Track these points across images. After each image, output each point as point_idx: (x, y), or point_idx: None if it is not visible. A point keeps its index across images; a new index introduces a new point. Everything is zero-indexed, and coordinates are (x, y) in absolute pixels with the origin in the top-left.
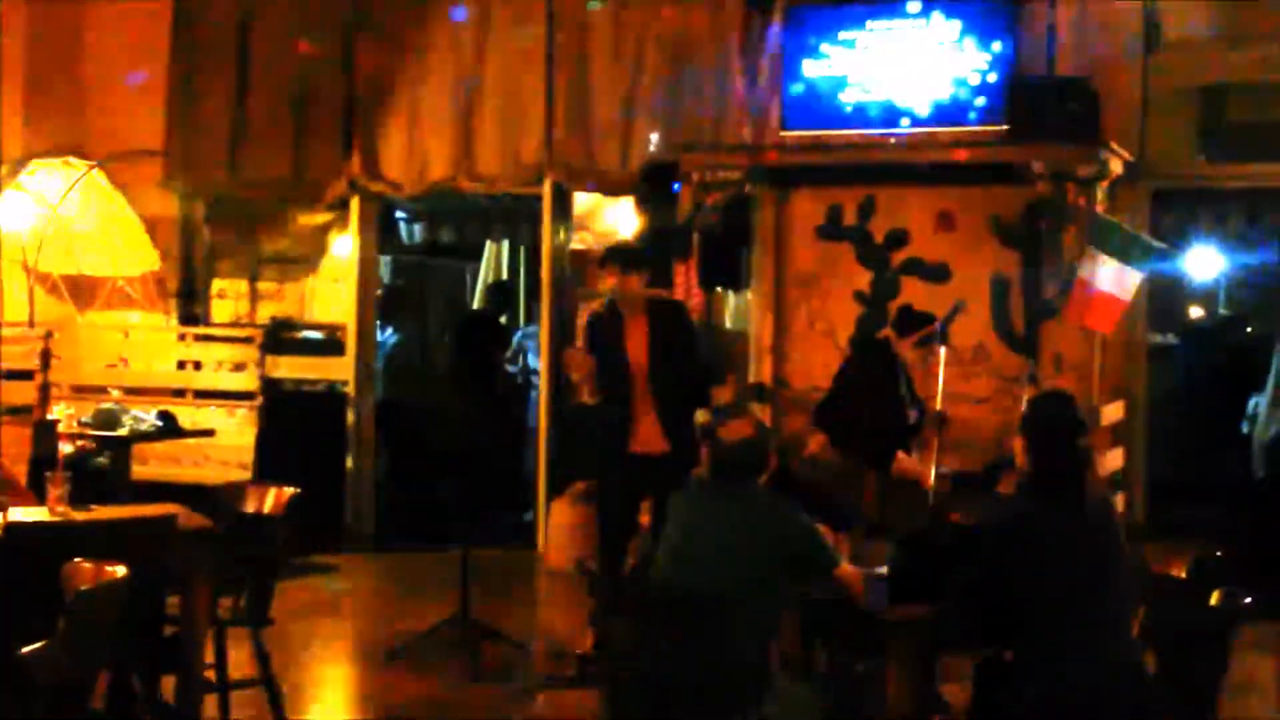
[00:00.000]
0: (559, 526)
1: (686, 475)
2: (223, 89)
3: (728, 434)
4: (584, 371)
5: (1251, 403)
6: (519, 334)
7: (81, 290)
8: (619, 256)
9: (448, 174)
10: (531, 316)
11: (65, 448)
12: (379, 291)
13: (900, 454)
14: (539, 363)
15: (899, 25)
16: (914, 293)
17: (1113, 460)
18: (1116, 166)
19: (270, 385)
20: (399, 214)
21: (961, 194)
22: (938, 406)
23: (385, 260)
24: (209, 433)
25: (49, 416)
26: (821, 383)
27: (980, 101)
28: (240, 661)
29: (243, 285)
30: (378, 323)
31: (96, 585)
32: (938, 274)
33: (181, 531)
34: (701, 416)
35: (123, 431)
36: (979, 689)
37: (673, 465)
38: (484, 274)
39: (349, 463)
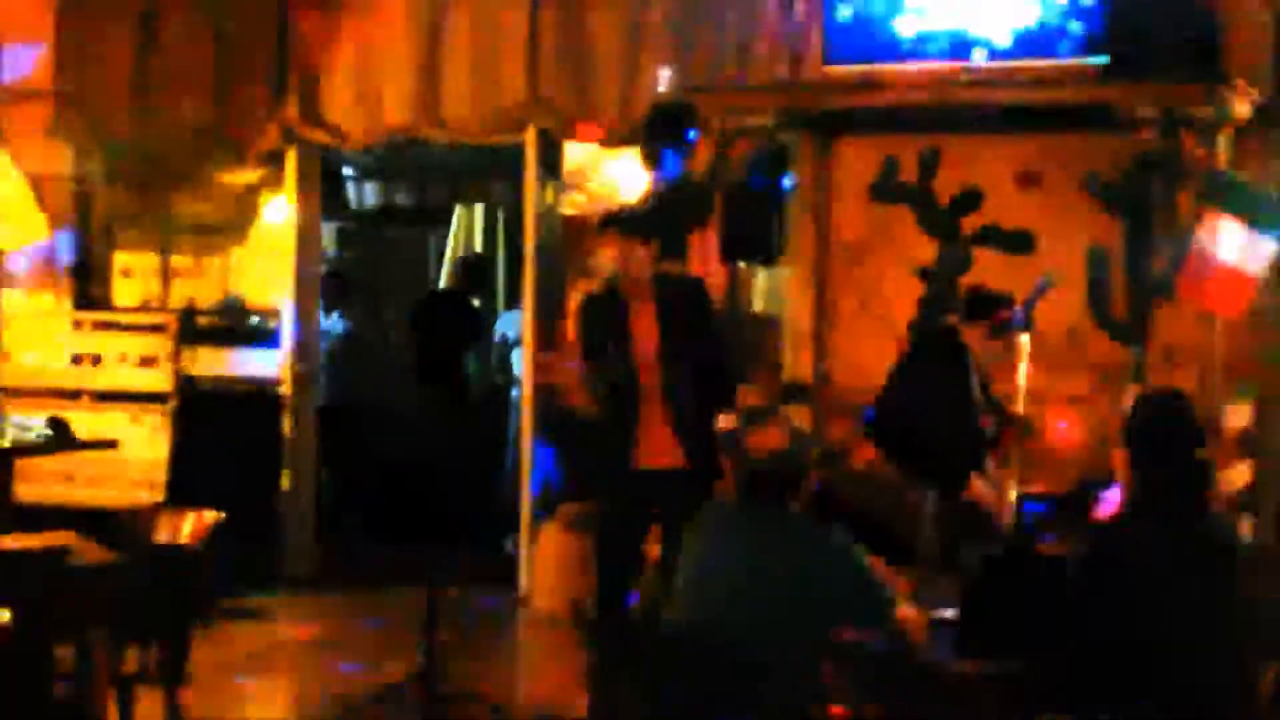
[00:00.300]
0: (547, 560)
1: (706, 496)
2: (128, 13)
3: (757, 444)
4: (572, 376)
5: None
6: (497, 321)
7: None
8: (621, 223)
9: (407, 120)
10: (513, 299)
11: None
12: (322, 268)
13: (972, 473)
14: (522, 357)
15: None
16: (989, 267)
17: (1239, 476)
18: (1243, 109)
19: (187, 385)
20: (346, 171)
21: (1049, 144)
22: (1019, 410)
23: (329, 229)
24: (111, 444)
25: None
26: (874, 380)
27: (1074, 28)
28: None
29: (153, 260)
30: (320, 307)
31: None
32: (1019, 244)
33: (76, 567)
34: (724, 422)
35: (2, 442)
36: None
37: (688, 483)
38: (452, 246)
39: (286, 481)
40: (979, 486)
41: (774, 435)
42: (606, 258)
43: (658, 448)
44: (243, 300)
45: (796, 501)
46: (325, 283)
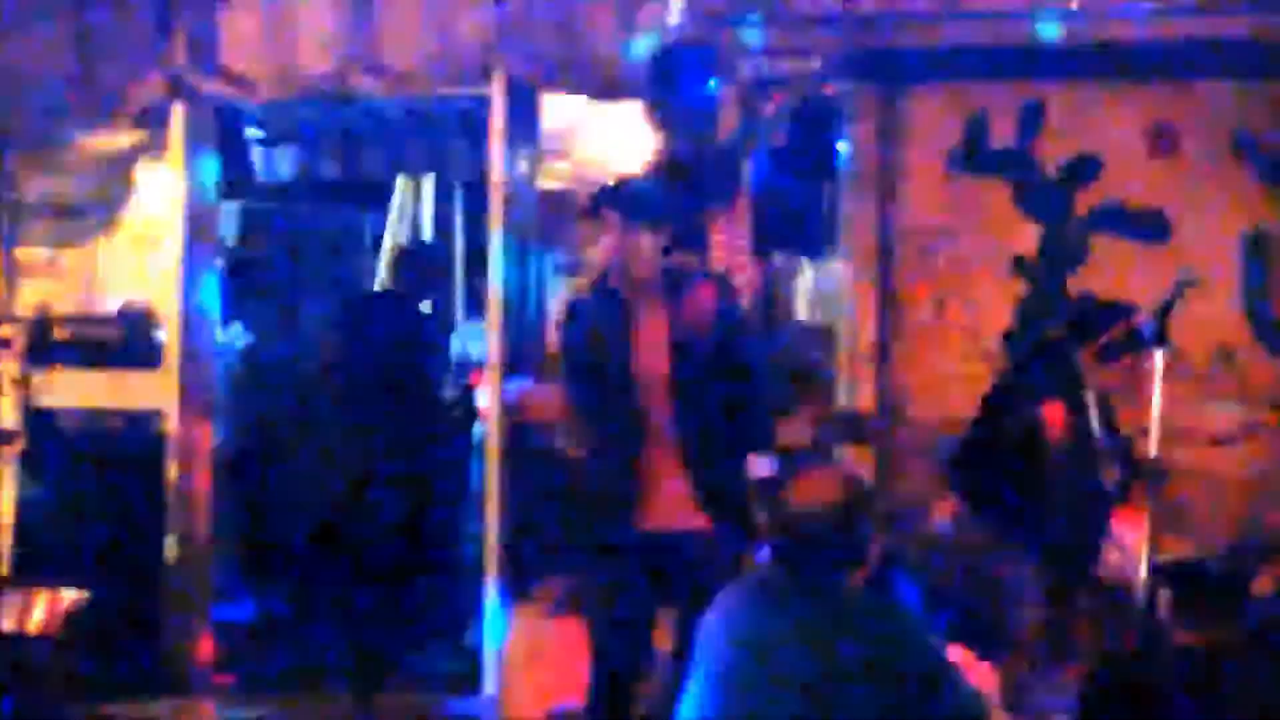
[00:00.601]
0: (521, 655)
1: (734, 568)
2: None
3: (801, 497)
4: (554, 409)
5: None
6: (455, 334)
7: None
8: (620, 201)
9: (332, 66)
10: (475, 303)
11: None
12: (219, 261)
13: (1092, 538)
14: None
15: None
16: (1110, 258)
17: None
18: None
19: (39, 418)
20: (251, 134)
21: (1189, 96)
22: (1150, 453)
23: (229, 209)
24: None
25: None
26: (957, 411)
27: None
28: None
29: None
30: (218, 314)
31: None
32: (1149, 227)
33: None
34: (759, 469)
35: None
36: None
37: (709, 550)
38: (394, 232)
39: (172, 549)
40: (1104, 554)
41: (825, 485)
42: (600, 248)
43: (669, 504)
44: (140, 308)
45: (855, 574)
46: (225, 282)
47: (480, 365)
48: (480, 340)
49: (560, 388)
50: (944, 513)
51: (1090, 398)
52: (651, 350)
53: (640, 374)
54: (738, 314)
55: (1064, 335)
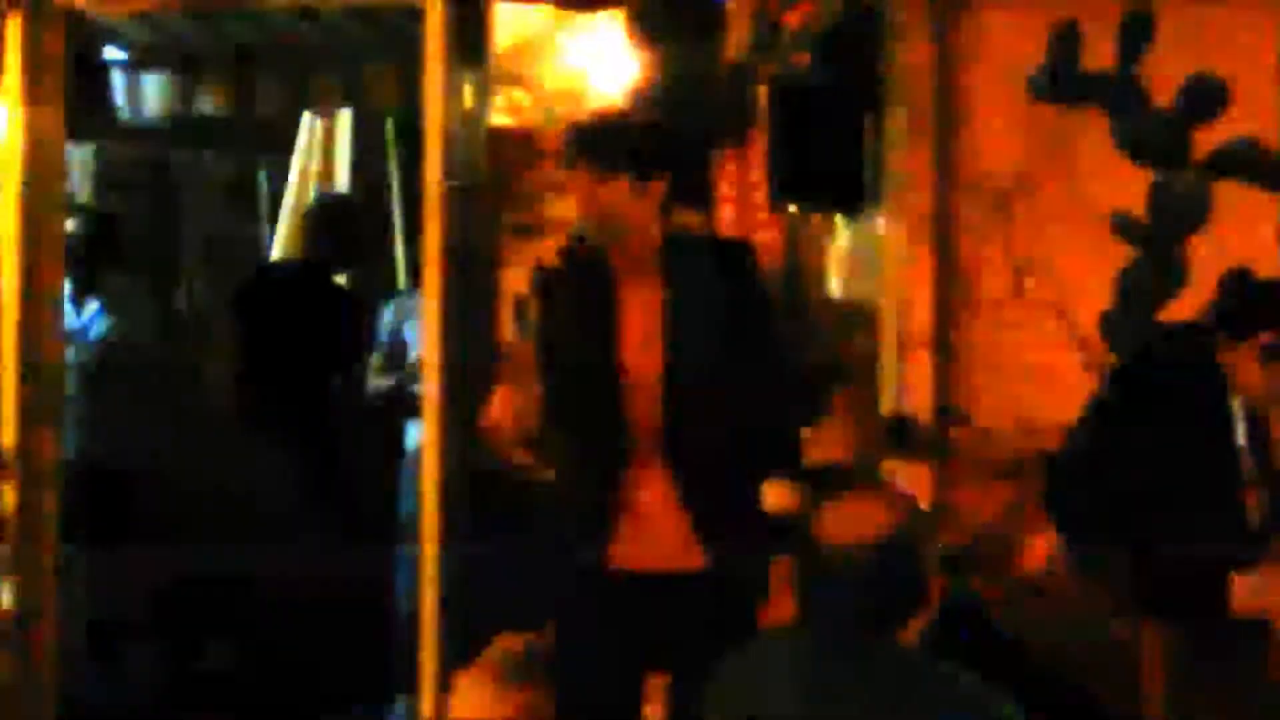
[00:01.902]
0: None
1: (744, 621)
2: None
3: (836, 531)
4: (512, 415)
5: None
6: (386, 311)
7: None
8: (599, 144)
9: None
10: (413, 274)
11: None
12: (70, 222)
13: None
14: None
15: None
16: (1242, 216)
17: None
18: None
19: None
20: (113, 55)
21: None
22: None
23: (83, 153)
24: None
25: None
26: (1040, 414)
27: None
28: None
29: None
30: (68, 290)
31: None
32: None
33: None
34: (779, 495)
35: None
36: None
37: (712, 599)
38: (299, 183)
39: (6, 598)
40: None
41: (867, 514)
42: (578, 204)
43: (659, 538)
44: None
45: (907, 630)
46: (78, 246)
47: None
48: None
49: (521, 389)
50: (1036, 552)
51: (1234, 405)
52: (642, 340)
53: (626, 371)
54: (758, 292)
55: (1199, 329)
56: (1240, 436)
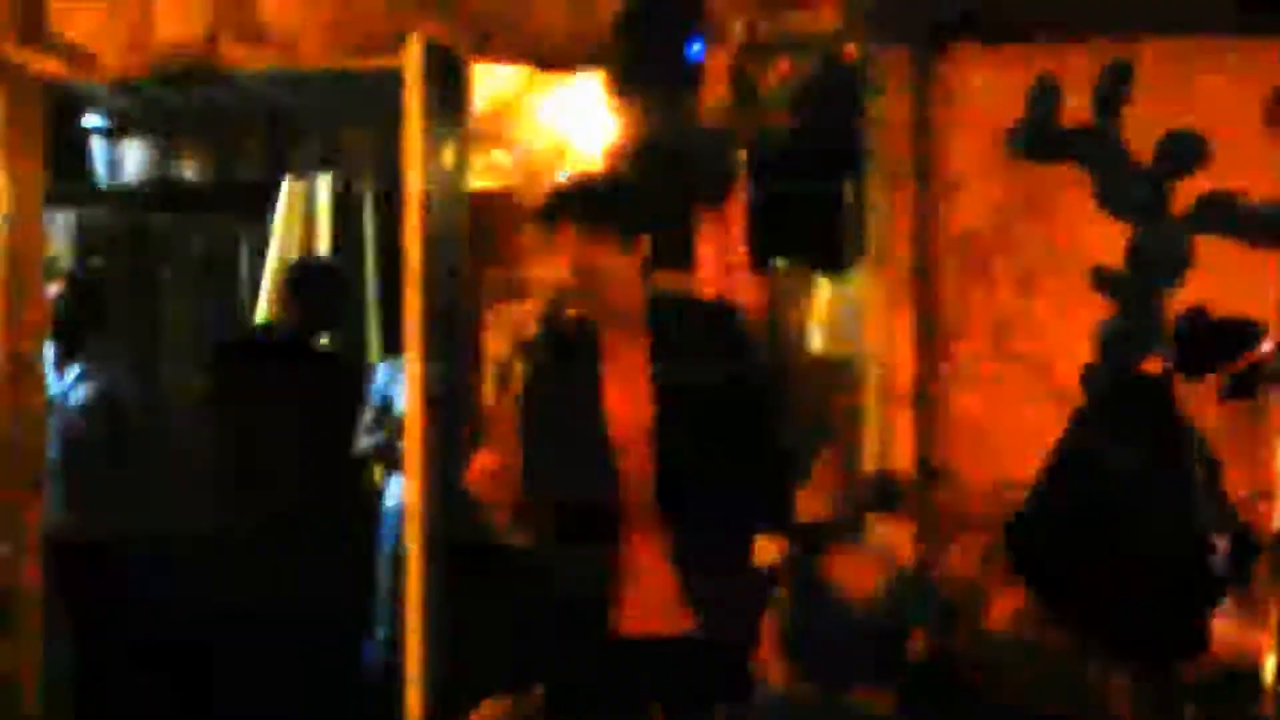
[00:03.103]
0: None
1: (739, 682)
2: None
3: (836, 587)
4: (497, 481)
5: None
6: (377, 374)
7: None
8: (582, 204)
9: (197, 34)
10: (391, 339)
11: None
12: (51, 286)
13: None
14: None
15: None
16: (1219, 268)
17: None
18: None
19: None
20: (93, 122)
21: None
22: (1276, 523)
23: (63, 219)
24: None
25: None
26: (1022, 469)
27: None
28: None
29: None
30: (49, 355)
31: None
32: (1272, 226)
33: None
34: (769, 552)
35: None
36: None
37: (704, 662)
38: (281, 247)
39: None
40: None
41: (858, 571)
42: (557, 267)
43: (650, 601)
44: None
45: (894, 682)
46: (59, 312)
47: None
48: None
49: (501, 452)
50: (1005, 606)
51: (1196, 447)
52: (626, 399)
53: (615, 433)
54: (746, 352)
55: (1159, 376)
56: (1199, 475)
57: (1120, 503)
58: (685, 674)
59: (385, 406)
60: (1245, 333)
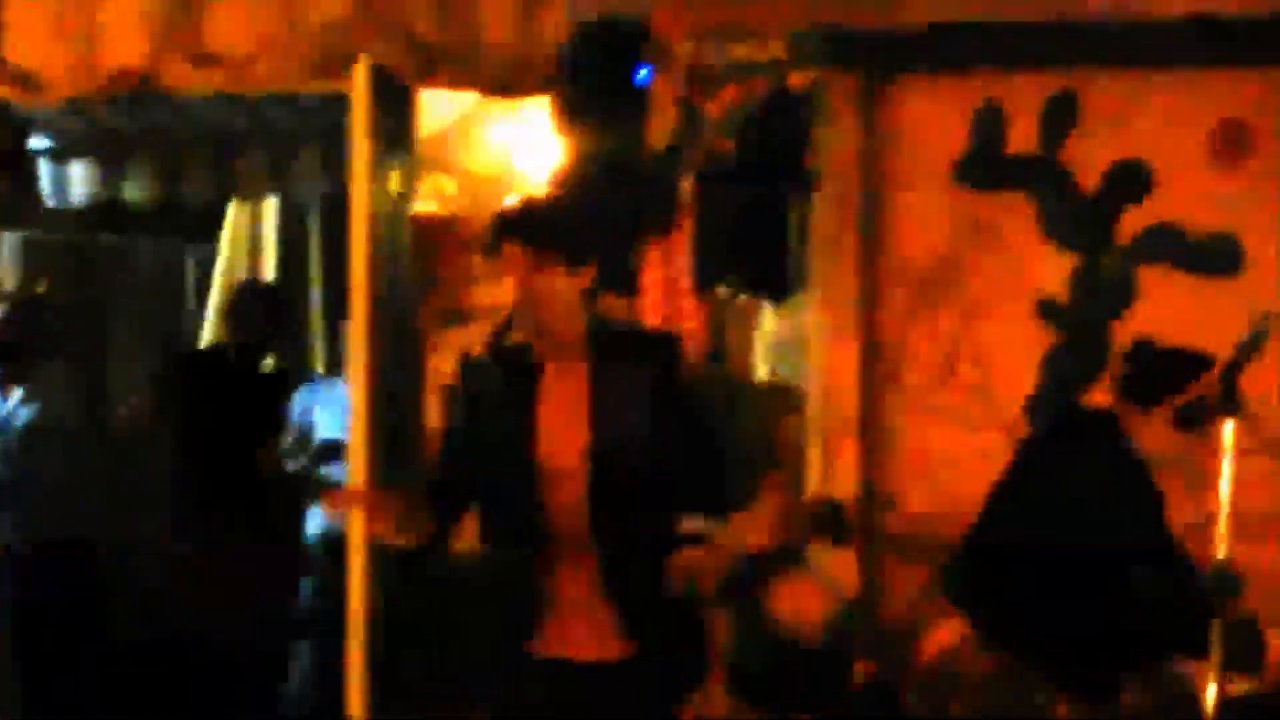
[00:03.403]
0: None
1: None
2: None
3: (779, 616)
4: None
5: None
6: (303, 397)
7: None
8: (528, 229)
9: (144, 58)
10: (334, 358)
11: None
12: None
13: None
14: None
15: None
16: (1164, 299)
17: None
18: None
19: None
20: (38, 144)
21: (1267, 86)
22: (1219, 552)
23: (10, 240)
24: None
25: None
26: (966, 499)
27: None
28: None
29: None
30: None
31: None
32: (1216, 257)
33: None
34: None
35: None
36: None
37: (638, 687)
38: (227, 269)
39: None
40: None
41: (802, 599)
42: (506, 288)
43: (580, 626)
44: None
45: (836, 709)
46: (4, 333)
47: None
48: (340, 405)
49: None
50: (945, 636)
51: (1146, 479)
52: (560, 425)
53: (547, 462)
54: (682, 383)
55: (1107, 408)
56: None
57: (1066, 533)
58: (618, 701)
59: (305, 433)
60: (1193, 363)
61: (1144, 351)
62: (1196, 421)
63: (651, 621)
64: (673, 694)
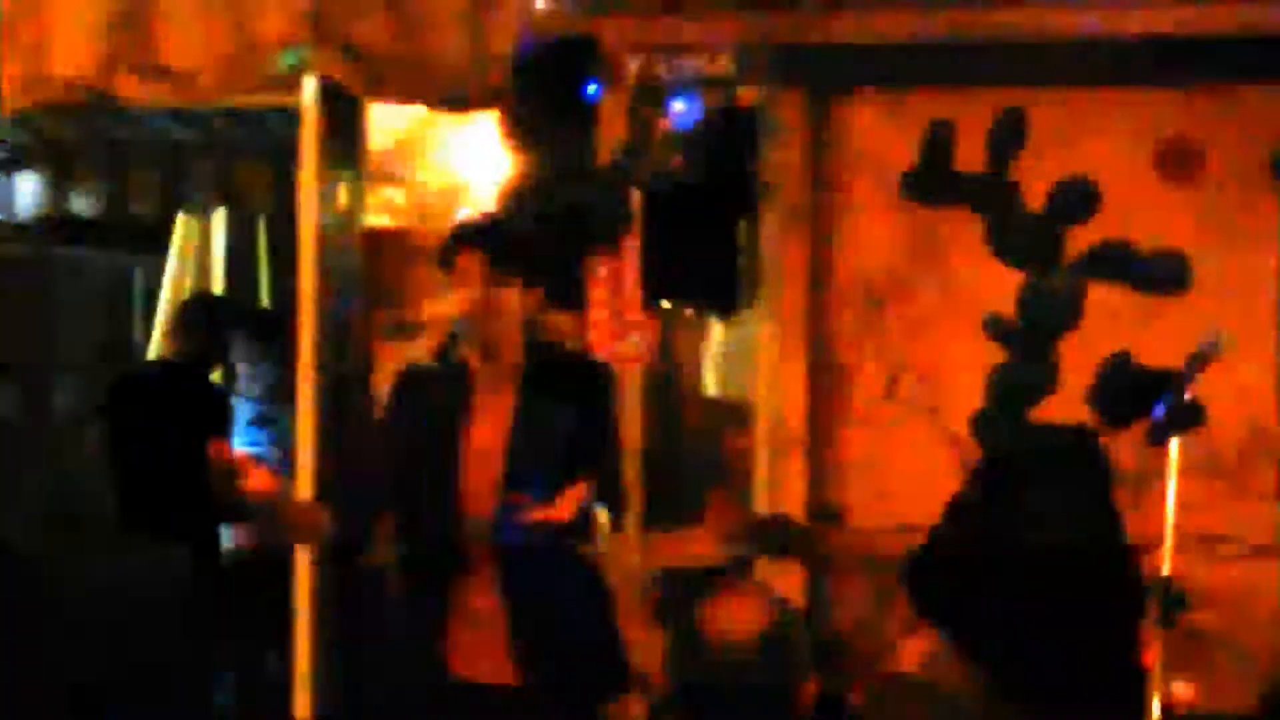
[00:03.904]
0: None
1: None
2: None
3: (713, 628)
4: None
5: None
6: (246, 411)
7: None
8: (487, 243)
9: (94, 69)
10: (288, 375)
11: None
12: None
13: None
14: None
15: None
16: (1113, 314)
17: None
18: None
19: None
20: None
21: (1214, 103)
22: (1164, 568)
23: None
24: None
25: None
26: (913, 514)
27: None
28: None
29: None
30: None
31: None
32: (1162, 274)
33: None
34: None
35: None
36: None
37: (541, 711)
38: (173, 282)
39: None
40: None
41: (742, 616)
42: (451, 304)
43: (489, 648)
44: None
45: None
46: None
47: None
48: (279, 424)
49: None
50: (912, 651)
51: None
52: (486, 448)
53: (467, 477)
54: (603, 415)
55: (1090, 430)
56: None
57: (1023, 547)
58: None
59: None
60: (1164, 383)
61: (1118, 370)
62: (1164, 439)
63: (553, 641)
64: (590, 709)
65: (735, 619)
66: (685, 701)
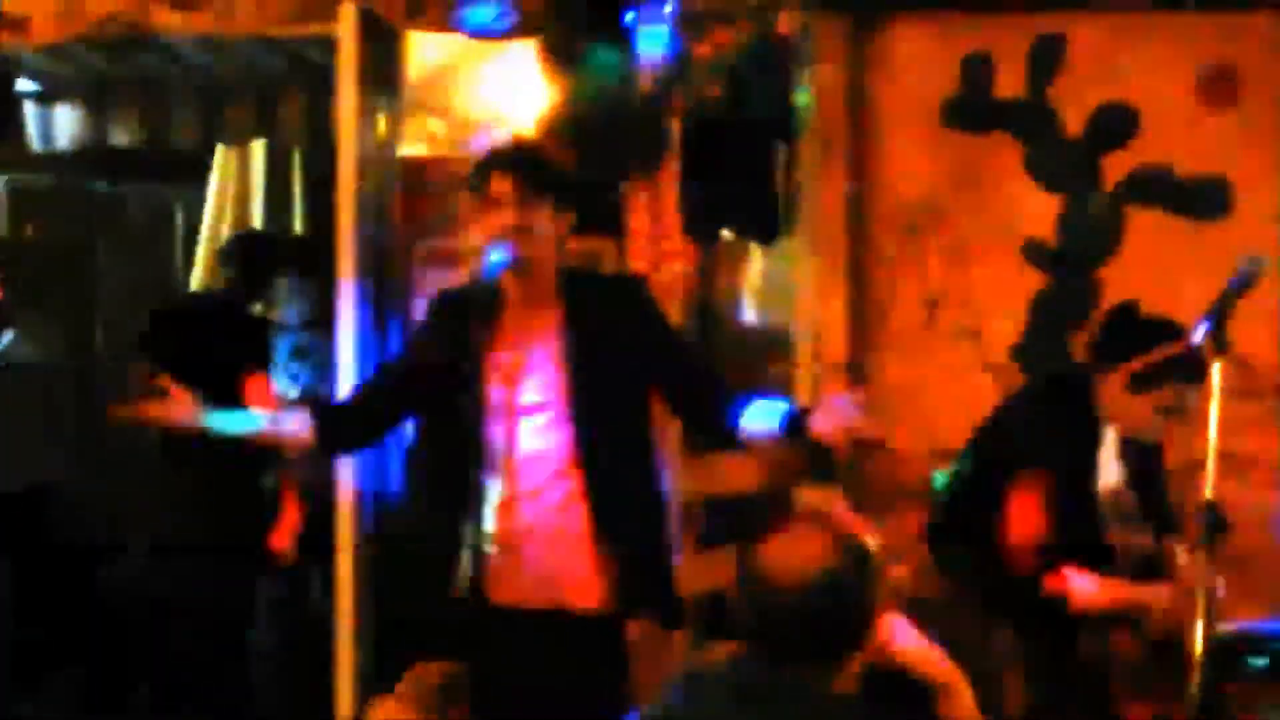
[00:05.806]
0: None
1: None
2: None
3: (779, 567)
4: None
5: None
6: (285, 344)
7: None
8: (519, 168)
9: (129, 4)
10: (325, 306)
11: None
12: None
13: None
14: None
15: None
16: (1152, 241)
17: None
18: None
19: None
20: (23, 87)
21: (1253, 29)
22: (1206, 493)
23: None
24: None
25: None
26: (953, 440)
27: None
28: None
29: None
30: None
31: None
32: (1203, 200)
33: None
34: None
35: None
36: None
37: (610, 636)
38: (214, 216)
39: None
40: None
41: (805, 550)
42: (486, 230)
43: (547, 573)
44: None
45: (844, 668)
46: None
47: None
48: (319, 353)
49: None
50: (899, 571)
51: (1110, 441)
52: (512, 366)
53: (506, 397)
54: (657, 320)
55: (1078, 372)
56: (1116, 474)
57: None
58: (596, 655)
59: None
60: (1164, 330)
61: (1124, 313)
62: (1153, 383)
63: (637, 567)
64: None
65: (798, 556)
66: (743, 631)
